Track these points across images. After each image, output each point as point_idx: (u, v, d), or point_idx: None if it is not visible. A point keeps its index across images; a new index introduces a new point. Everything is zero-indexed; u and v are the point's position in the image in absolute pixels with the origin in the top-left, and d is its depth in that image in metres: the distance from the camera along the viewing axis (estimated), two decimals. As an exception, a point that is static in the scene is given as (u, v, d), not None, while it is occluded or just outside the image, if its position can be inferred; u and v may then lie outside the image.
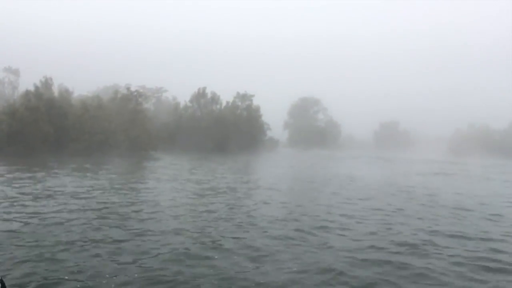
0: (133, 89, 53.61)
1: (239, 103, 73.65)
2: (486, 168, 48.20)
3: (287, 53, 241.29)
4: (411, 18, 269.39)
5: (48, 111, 44.68)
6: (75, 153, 41.39)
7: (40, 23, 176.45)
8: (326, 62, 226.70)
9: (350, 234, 11.65)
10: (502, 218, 15.06)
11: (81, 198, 15.65)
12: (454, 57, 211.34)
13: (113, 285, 7.11)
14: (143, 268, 7.98)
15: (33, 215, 12.23)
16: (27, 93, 46.62)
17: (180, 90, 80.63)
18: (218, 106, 71.92)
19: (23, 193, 16.13)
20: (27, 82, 52.39)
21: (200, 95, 70.84)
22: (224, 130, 66.48)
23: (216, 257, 8.90)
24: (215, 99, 71.46)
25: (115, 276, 7.52)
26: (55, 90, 53.76)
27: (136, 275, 7.60)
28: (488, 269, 8.83)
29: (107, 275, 7.52)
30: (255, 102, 74.90)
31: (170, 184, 21.69)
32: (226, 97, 74.11)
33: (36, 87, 49.27)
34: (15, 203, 14.01)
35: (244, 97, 73.99)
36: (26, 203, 14.19)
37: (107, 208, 14.04)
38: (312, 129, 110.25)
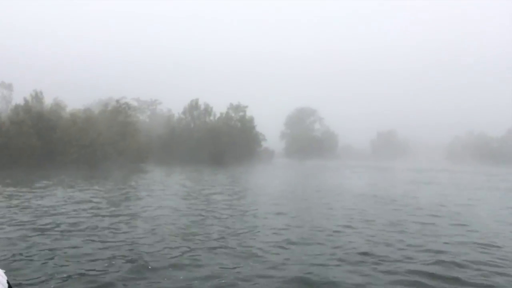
0: (128, 101, 53.79)
1: (233, 114, 73.62)
2: (479, 176, 47.76)
3: (284, 65, 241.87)
4: (408, 26, 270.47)
5: (37, 125, 44.68)
6: (63, 167, 41.20)
7: (36, 37, 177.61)
8: (323, 72, 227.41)
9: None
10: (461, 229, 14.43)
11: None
12: (453, 64, 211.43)
13: None
14: None
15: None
16: (16, 107, 46.77)
17: (175, 103, 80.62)
18: (212, 118, 71.91)
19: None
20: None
21: (193, 107, 70.90)
22: (217, 142, 66.30)
23: None
24: (208, 110, 71.47)
25: None
26: (49, 104, 54.01)
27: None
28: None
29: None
30: (250, 113, 75.10)
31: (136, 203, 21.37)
32: (221, 109, 74.30)
33: (26, 101, 49.53)
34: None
35: (238, 108, 74.00)
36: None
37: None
38: (309, 139, 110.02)
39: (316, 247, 10.62)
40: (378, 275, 8.37)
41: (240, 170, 49.99)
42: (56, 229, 11.98)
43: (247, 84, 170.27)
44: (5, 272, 1.94)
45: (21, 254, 9.11)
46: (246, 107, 74.25)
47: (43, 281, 7.48)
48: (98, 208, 16.13)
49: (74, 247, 9.90)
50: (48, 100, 55.63)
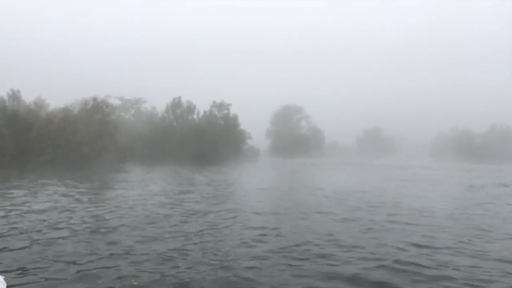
0: (106, 99, 52.83)
1: (216, 112, 73.14)
2: (458, 172, 47.97)
3: (271, 60, 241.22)
4: (393, 23, 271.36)
5: (12, 124, 43.93)
6: (38, 167, 40.53)
7: (25, 36, 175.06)
8: (311, 69, 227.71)
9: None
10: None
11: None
12: (438, 60, 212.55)
13: None
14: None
15: None
16: (-10, 106, 45.93)
17: (162, 101, 79.70)
18: (195, 116, 71.38)
19: None
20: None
21: (175, 105, 70.28)
22: (200, 140, 65.76)
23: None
24: (191, 108, 70.90)
25: None
26: (30, 103, 52.96)
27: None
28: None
29: None
30: (236, 111, 74.85)
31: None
32: (206, 107, 73.71)
33: (3, 100, 48.69)
34: None
35: (221, 106, 73.54)
36: None
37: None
38: (295, 137, 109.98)
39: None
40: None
41: (220, 169, 49.66)
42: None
43: (234, 82, 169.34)
44: (4, 279, 1.71)
45: None
46: (230, 105, 73.89)
47: None
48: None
49: None
50: (30, 99, 55.00)
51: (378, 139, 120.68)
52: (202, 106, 73.18)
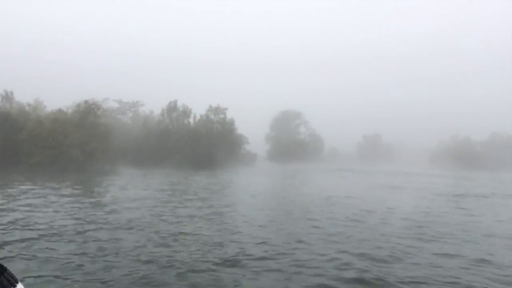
0: (98, 102, 52.87)
1: (212, 117, 72.82)
2: (448, 180, 47.41)
3: (271, 66, 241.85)
4: (395, 28, 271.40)
5: (3, 125, 43.90)
6: (27, 170, 40.40)
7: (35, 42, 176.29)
8: (309, 74, 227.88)
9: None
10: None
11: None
12: (439, 68, 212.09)
13: None
14: None
15: None
16: (-18, 107, 45.98)
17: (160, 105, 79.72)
18: (191, 120, 71.20)
19: None
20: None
21: (171, 108, 70.18)
22: (195, 144, 65.54)
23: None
24: (187, 112, 70.73)
25: None
26: (24, 104, 53.19)
27: None
28: None
29: None
30: (234, 115, 74.59)
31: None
32: (202, 111, 73.52)
33: (-4, 101, 48.78)
34: None
35: (217, 110, 73.18)
36: None
37: None
38: (293, 142, 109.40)
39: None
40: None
41: (214, 173, 49.42)
42: None
43: (238, 90, 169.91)
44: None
45: None
46: (226, 109, 73.50)
47: None
48: None
49: None
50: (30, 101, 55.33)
51: (378, 146, 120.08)
52: (201, 110, 73.25)
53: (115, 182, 32.03)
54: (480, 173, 70.13)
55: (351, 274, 8.72)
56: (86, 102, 48.08)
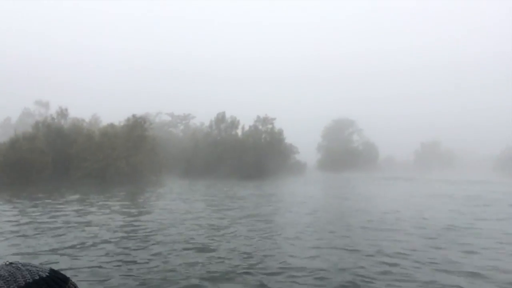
0: (144, 116, 54.11)
1: (260, 127, 72.14)
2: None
3: (324, 75, 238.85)
4: (446, 29, 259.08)
5: (55, 140, 45.51)
6: (76, 182, 41.49)
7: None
8: (363, 82, 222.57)
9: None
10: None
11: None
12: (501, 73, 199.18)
13: None
14: None
15: None
16: (36, 123, 48.03)
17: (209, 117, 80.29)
18: (239, 131, 70.97)
19: None
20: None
21: (219, 120, 70.29)
22: (243, 155, 65.07)
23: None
24: (234, 123, 70.49)
25: None
26: (85, 120, 55.92)
27: None
28: None
29: None
30: (284, 125, 73.98)
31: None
32: (250, 122, 73.11)
33: (52, 118, 50.67)
34: None
35: (265, 120, 72.43)
36: None
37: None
38: (346, 150, 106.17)
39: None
40: None
41: (261, 183, 48.40)
42: None
43: (284, 97, 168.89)
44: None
45: None
46: (274, 119, 72.58)
47: None
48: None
49: None
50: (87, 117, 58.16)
51: (437, 153, 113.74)
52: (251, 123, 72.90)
53: (157, 193, 31.85)
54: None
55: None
56: (134, 116, 48.98)
